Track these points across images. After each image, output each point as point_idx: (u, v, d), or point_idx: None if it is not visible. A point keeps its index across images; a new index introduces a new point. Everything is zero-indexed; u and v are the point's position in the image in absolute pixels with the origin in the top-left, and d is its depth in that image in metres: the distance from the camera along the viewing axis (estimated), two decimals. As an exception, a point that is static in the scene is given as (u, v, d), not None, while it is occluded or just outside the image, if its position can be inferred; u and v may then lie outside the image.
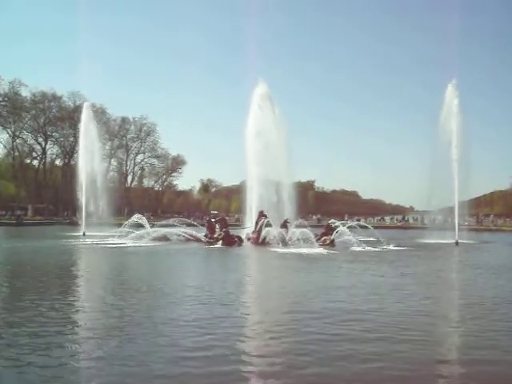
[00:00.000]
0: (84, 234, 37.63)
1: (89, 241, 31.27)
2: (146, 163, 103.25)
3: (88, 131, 45.23)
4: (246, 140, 38.75)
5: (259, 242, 30.77)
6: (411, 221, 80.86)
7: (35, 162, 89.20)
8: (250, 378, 6.50)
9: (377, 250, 27.17)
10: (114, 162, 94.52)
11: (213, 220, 35.02)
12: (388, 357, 7.24)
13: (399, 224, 75.88)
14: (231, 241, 30.35)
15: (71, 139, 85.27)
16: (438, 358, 7.40)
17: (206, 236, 32.35)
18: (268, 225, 31.38)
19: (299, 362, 7.00)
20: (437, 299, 12.86)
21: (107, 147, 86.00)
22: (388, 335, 8.48)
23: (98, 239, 31.67)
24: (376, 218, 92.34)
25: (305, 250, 25.63)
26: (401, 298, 12.22)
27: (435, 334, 8.96)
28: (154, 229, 34.00)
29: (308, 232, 29.41)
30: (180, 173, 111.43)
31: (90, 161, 44.73)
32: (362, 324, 9.30)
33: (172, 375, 6.46)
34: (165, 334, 8.47)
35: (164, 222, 38.01)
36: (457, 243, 32.76)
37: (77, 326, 9.18)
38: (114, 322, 9.42)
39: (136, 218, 35.93)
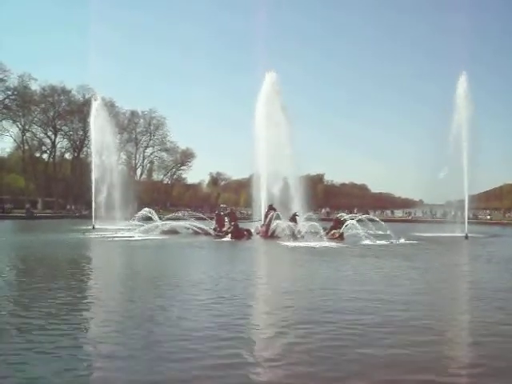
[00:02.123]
0: (94, 228, 37.70)
1: (98, 234, 31.37)
2: (155, 156, 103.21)
3: (99, 124, 45.39)
4: (255, 133, 38.71)
5: (268, 235, 30.80)
6: (420, 214, 79.23)
7: (45, 156, 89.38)
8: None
9: (386, 243, 27.11)
10: (123, 156, 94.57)
11: (222, 213, 35.04)
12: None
13: (409, 218, 75.40)
14: (240, 234, 30.36)
15: (80, 133, 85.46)
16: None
17: (214, 229, 32.38)
18: (277, 218, 31.40)
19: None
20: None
21: (116, 141, 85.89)
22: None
23: (107, 232, 31.77)
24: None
25: (314, 244, 25.59)
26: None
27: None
28: (163, 222, 34.06)
29: (317, 225, 29.38)
30: (189, 166, 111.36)
31: (101, 154, 44.90)
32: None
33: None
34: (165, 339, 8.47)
35: (173, 215, 38.08)
36: (466, 237, 32.60)
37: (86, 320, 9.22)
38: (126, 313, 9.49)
39: (145, 211, 35.99)
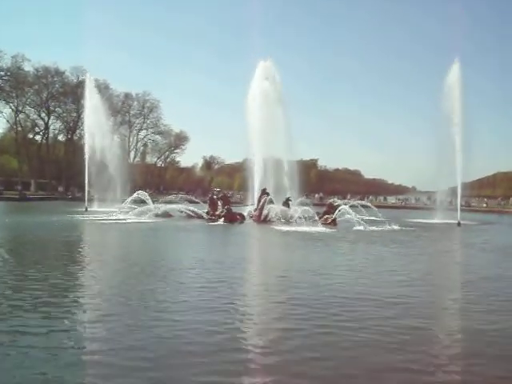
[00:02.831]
0: (86, 210, 37.61)
1: (91, 216, 31.27)
2: (149, 139, 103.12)
3: (93, 105, 45.11)
4: (248, 117, 38.56)
5: (261, 219, 30.83)
6: (413, 201, 79.21)
7: (38, 137, 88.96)
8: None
9: (379, 229, 27.18)
10: (116, 138, 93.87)
11: (215, 197, 35.02)
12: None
13: (402, 204, 75.35)
14: (233, 218, 30.42)
15: (74, 115, 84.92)
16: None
17: (208, 213, 32.38)
18: (270, 202, 31.43)
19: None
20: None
21: (110, 123, 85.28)
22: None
23: (100, 215, 31.66)
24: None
25: (307, 228, 25.63)
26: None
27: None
28: (156, 205, 33.94)
29: (310, 210, 29.42)
30: (183, 149, 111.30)
31: (95, 136, 44.63)
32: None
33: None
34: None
35: (166, 199, 38.02)
36: (459, 224, 32.78)
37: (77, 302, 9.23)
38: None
39: (139, 194, 35.91)
